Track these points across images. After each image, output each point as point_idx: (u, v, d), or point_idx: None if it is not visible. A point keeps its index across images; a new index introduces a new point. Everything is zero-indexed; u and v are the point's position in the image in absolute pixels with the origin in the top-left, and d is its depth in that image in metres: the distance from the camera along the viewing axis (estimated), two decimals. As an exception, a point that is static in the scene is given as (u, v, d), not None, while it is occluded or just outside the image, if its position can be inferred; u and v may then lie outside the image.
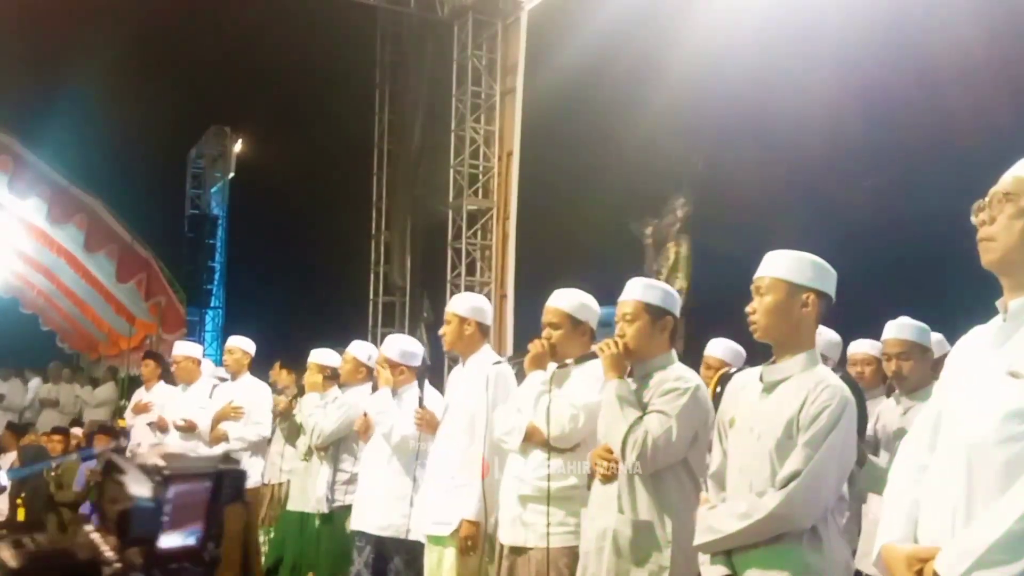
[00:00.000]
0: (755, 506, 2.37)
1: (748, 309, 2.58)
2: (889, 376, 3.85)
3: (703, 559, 2.53)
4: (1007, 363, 1.75)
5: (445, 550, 3.88)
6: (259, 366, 6.43)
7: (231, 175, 16.02)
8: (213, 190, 16.25)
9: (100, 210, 11.81)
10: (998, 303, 1.85)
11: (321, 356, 5.45)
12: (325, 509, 5.05)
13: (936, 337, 3.83)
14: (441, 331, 4.08)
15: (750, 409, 2.52)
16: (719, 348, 4.36)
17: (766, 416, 2.45)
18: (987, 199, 1.86)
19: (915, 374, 3.63)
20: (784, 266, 2.53)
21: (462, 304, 4.09)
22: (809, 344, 2.52)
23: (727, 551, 2.46)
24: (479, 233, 10.27)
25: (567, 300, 3.48)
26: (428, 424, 4.20)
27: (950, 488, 1.77)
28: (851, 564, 2.52)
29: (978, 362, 1.85)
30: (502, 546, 3.53)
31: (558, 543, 3.29)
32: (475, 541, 3.76)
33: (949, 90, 7.26)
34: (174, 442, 6.32)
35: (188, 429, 6.21)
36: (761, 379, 2.53)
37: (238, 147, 15.89)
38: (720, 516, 2.48)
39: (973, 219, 1.87)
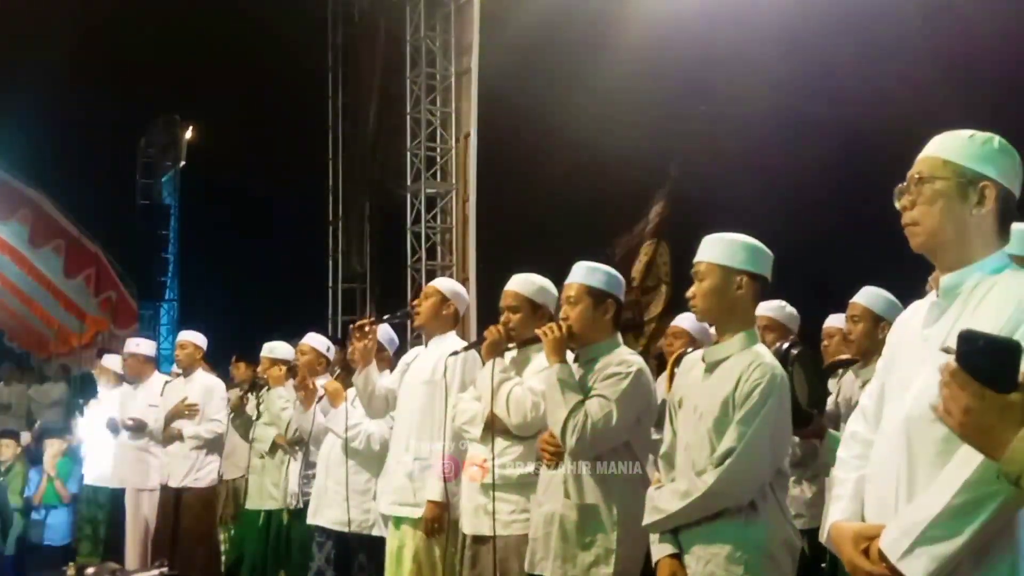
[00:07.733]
0: (694, 484, 2.47)
1: (688, 294, 2.67)
2: None
3: (653, 538, 2.62)
4: (941, 339, 1.75)
5: (408, 532, 3.81)
6: (217, 359, 6.28)
7: (182, 164, 15.63)
8: (164, 179, 15.84)
9: (45, 204, 11.49)
10: (931, 279, 1.86)
11: (272, 349, 5.30)
12: (299, 504, 4.94)
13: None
14: (416, 301, 4.03)
15: (695, 389, 2.61)
16: (685, 320, 4.44)
17: (707, 395, 2.54)
18: (906, 183, 1.85)
19: (864, 339, 3.63)
20: (718, 250, 2.63)
21: (446, 284, 4.13)
22: (747, 324, 2.62)
23: (674, 530, 2.55)
24: (438, 216, 10.13)
25: (526, 284, 3.49)
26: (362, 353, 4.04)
27: (892, 465, 1.79)
28: (793, 538, 2.57)
29: (915, 338, 1.87)
30: (465, 536, 3.50)
31: (520, 530, 3.27)
32: (440, 523, 3.71)
33: (886, 66, 7.50)
34: (125, 441, 6.15)
35: (137, 428, 6.05)
36: (704, 359, 2.62)
37: (188, 134, 15.51)
38: (664, 496, 2.57)
39: (896, 204, 1.86)
